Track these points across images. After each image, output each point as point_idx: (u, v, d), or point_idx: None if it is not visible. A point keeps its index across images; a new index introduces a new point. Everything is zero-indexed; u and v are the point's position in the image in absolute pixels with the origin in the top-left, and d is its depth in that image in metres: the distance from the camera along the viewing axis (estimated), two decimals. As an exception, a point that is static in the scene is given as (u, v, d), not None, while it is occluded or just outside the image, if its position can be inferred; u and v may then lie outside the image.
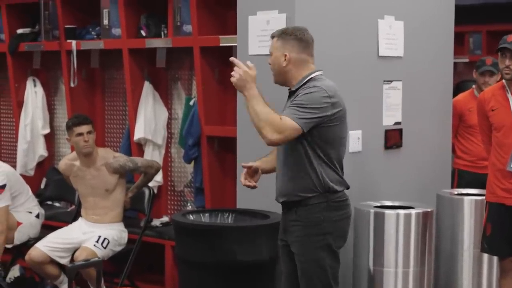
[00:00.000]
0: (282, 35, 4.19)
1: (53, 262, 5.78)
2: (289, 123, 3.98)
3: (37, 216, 6.27)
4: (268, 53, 4.24)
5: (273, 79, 4.27)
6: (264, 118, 3.98)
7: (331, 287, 4.18)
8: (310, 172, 4.12)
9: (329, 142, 4.12)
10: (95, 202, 5.87)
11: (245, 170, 4.37)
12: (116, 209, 5.88)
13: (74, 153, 5.93)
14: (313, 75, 4.17)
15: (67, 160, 5.98)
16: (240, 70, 4.05)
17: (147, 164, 5.91)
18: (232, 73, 4.06)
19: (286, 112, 4.04)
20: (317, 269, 4.16)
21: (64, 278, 5.89)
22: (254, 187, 4.36)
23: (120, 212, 5.91)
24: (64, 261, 5.76)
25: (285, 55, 4.15)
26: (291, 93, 4.20)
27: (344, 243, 4.26)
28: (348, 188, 4.28)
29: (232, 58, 4.16)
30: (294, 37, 4.16)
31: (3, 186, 5.94)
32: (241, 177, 4.36)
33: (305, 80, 4.14)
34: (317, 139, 4.08)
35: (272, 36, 4.24)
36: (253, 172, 4.38)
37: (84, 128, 5.75)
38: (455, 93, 6.24)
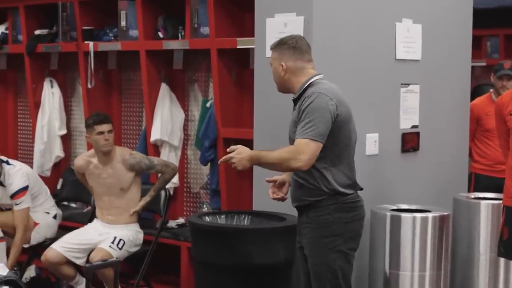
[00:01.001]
0: (278, 45, 4.26)
1: (69, 262, 5.79)
2: (304, 142, 4.01)
3: (55, 217, 6.30)
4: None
5: (276, 88, 4.32)
6: (282, 159, 4.04)
7: None
8: (317, 177, 4.14)
9: (337, 144, 4.13)
10: (110, 202, 5.87)
11: (271, 184, 4.40)
12: (131, 209, 5.88)
13: (92, 150, 5.93)
14: (311, 80, 4.19)
15: (85, 157, 5.98)
16: (233, 157, 4.07)
17: (163, 163, 5.91)
18: (233, 166, 4.09)
19: (298, 135, 4.06)
20: (327, 271, 4.18)
21: (79, 279, 5.91)
22: (283, 200, 4.41)
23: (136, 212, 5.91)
24: (80, 261, 5.78)
25: (282, 65, 4.21)
26: (295, 101, 4.23)
27: (356, 245, 4.26)
28: (361, 189, 4.28)
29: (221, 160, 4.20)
30: (288, 46, 4.22)
31: (26, 188, 5.98)
32: (269, 191, 4.41)
33: (305, 86, 4.17)
34: (326, 143, 4.08)
35: (271, 48, 4.30)
36: (279, 185, 4.41)
37: (105, 127, 5.76)
38: (472, 97, 6.22)
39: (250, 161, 4.07)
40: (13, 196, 5.96)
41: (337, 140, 4.12)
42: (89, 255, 5.74)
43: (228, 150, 4.11)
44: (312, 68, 4.25)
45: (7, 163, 6.05)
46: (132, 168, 5.82)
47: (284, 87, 4.28)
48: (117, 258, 5.38)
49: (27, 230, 6.05)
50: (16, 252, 5.94)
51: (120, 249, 5.71)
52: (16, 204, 5.95)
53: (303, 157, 4.00)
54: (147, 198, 5.90)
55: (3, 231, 6.00)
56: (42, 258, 5.81)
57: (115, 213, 5.87)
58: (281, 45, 4.23)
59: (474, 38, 5.99)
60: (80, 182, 6.16)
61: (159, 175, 5.94)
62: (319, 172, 4.13)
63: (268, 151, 4.11)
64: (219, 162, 4.31)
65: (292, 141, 4.16)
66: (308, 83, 4.17)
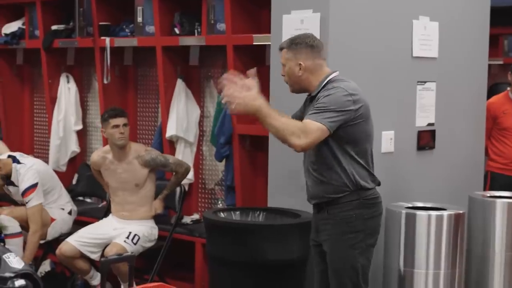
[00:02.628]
0: (292, 45, 4.19)
1: (83, 257, 5.81)
2: (314, 125, 3.96)
3: (70, 212, 6.33)
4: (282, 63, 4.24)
5: (289, 89, 4.28)
6: (286, 129, 3.92)
7: (360, 287, 4.18)
8: (340, 173, 4.12)
9: (356, 140, 4.12)
10: (124, 197, 5.89)
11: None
12: (144, 205, 5.89)
13: (107, 146, 5.96)
14: (330, 77, 4.17)
15: (100, 153, 6.01)
16: (239, 97, 3.90)
17: (178, 162, 5.92)
18: (233, 105, 3.89)
19: (308, 116, 4.01)
20: (347, 268, 4.16)
21: (94, 273, 5.93)
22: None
23: (150, 208, 5.92)
24: (95, 256, 5.80)
25: (300, 64, 4.16)
26: (312, 98, 4.20)
27: (375, 241, 4.25)
28: (379, 184, 4.27)
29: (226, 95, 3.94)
30: (305, 45, 4.17)
31: (35, 185, 5.99)
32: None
33: (324, 83, 4.15)
34: (345, 139, 4.07)
35: (281, 48, 4.24)
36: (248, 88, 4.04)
37: (120, 120, 5.78)
38: (488, 95, 6.20)
39: (255, 111, 3.92)
40: (23, 194, 5.98)
41: (358, 136, 4.11)
42: (103, 250, 5.76)
43: (248, 72, 3.94)
44: (326, 65, 4.24)
45: (18, 162, 6.06)
46: (147, 165, 5.84)
47: (299, 87, 4.24)
48: (132, 253, 5.40)
49: (45, 225, 6.07)
50: (32, 249, 5.93)
51: (135, 244, 5.72)
52: (27, 202, 5.97)
53: (306, 138, 3.92)
54: (160, 196, 5.93)
55: (20, 226, 6.02)
56: (57, 251, 5.83)
57: (129, 209, 5.89)
58: (297, 44, 4.18)
59: (491, 36, 5.96)
60: (95, 177, 6.18)
61: (173, 173, 5.96)
62: (341, 167, 4.11)
63: (278, 115, 3.93)
64: (222, 99, 3.97)
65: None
66: (328, 79, 4.15)
